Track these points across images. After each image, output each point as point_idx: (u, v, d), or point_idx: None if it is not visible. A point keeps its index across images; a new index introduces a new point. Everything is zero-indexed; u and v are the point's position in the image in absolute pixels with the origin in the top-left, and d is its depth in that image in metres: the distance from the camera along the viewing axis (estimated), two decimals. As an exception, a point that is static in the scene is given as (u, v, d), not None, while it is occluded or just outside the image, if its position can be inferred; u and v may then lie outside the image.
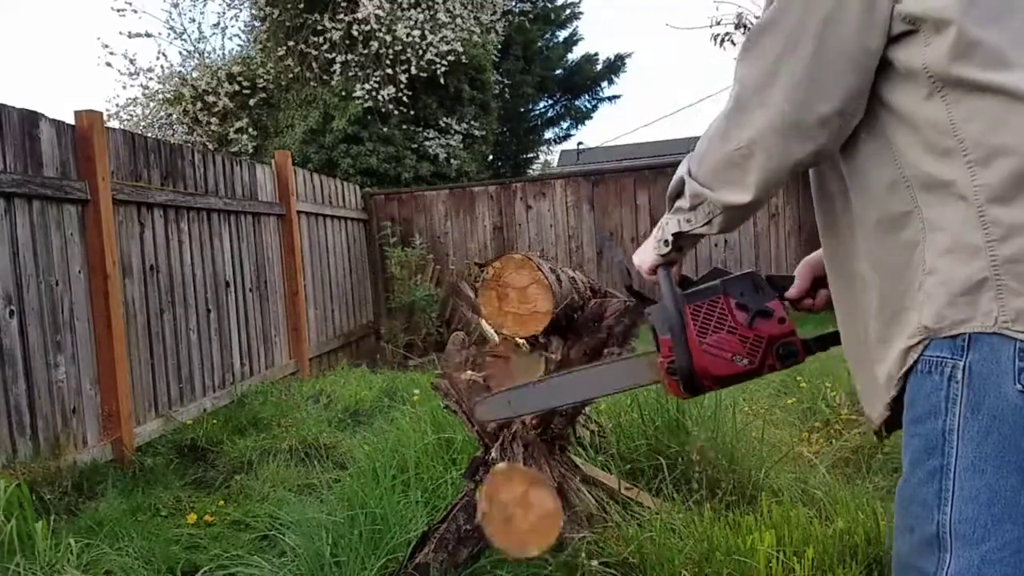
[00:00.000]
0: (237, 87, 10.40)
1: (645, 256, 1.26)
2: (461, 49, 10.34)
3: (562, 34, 16.54)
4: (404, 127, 10.28)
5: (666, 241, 1.19)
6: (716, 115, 1.07)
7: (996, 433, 0.90)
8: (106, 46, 12.08)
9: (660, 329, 1.26)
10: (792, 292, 1.28)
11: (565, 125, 17.49)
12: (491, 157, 14.20)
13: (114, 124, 11.09)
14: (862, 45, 0.95)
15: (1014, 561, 0.90)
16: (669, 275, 1.24)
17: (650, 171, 7.94)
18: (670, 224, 1.18)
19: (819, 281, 1.28)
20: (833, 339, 1.28)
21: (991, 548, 0.91)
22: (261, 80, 10.46)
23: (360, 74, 9.87)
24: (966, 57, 0.90)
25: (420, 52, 10.00)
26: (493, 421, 2.04)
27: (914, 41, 0.94)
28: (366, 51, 9.83)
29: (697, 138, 1.13)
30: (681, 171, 1.13)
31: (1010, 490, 0.90)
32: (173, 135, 11.21)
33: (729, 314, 1.21)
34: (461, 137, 10.89)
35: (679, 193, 1.14)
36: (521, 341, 2.00)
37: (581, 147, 20.73)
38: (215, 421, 4.34)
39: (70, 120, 3.74)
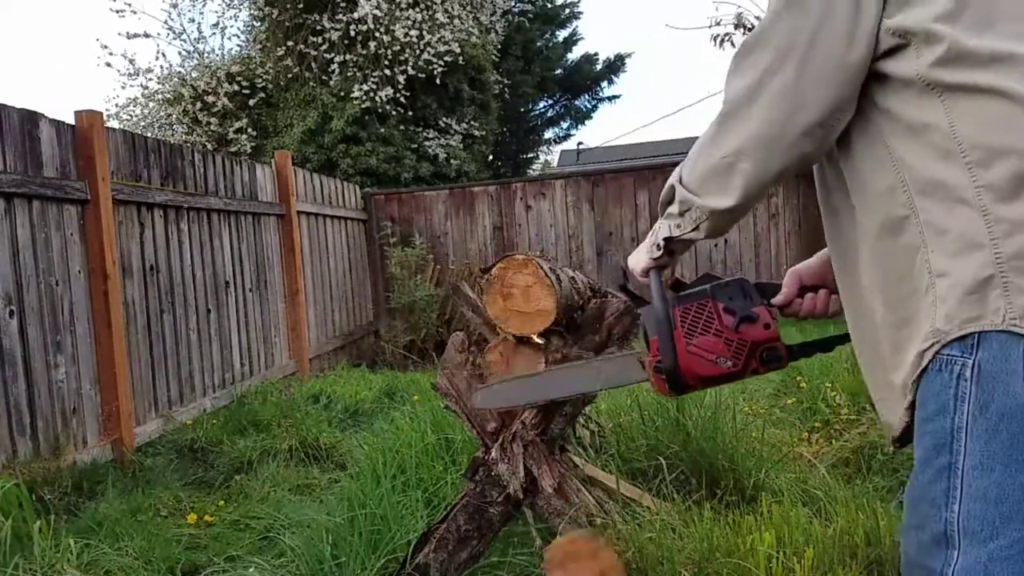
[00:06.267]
0: (236, 87, 10.40)
1: (639, 259, 1.30)
2: (459, 49, 10.34)
3: (562, 34, 16.53)
4: (403, 127, 10.28)
5: (658, 245, 1.23)
6: (709, 123, 1.10)
7: (1004, 431, 0.90)
8: (105, 47, 12.04)
9: (650, 330, 1.31)
10: (779, 299, 1.33)
11: (565, 125, 17.49)
12: (491, 157, 14.19)
13: (114, 124, 11.10)
14: (846, 60, 0.97)
15: (1022, 559, 0.90)
16: (660, 278, 1.28)
17: (650, 171, 7.95)
18: (662, 229, 1.21)
19: (805, 289, 1.33)
20: (818, 347, 1.34)
21: (999, 546, 0.91)
22: (260, 80, 10.45)
23: (358, 74, 9.87)
24: (959, 63, 0.92)
25: (417, 52, 10.00)
26: (490, 409, 2.11)
27: (905, 54, 0.96)
28: (364, 51, 9.83)
29: (696, 138, 1.16)
30: (673, 179, 1.17)
31: (1019, 489, 0.90)
32: (173, 135, 11.20)
33: (716, 318, 1.26)
34: (461, 137, 10.89)
35: (671, 199, 1.18)
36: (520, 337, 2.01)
37: (581, 147, 20.71)
38: (215, 421, 4.34)
39: (70, 120, 3.74)
